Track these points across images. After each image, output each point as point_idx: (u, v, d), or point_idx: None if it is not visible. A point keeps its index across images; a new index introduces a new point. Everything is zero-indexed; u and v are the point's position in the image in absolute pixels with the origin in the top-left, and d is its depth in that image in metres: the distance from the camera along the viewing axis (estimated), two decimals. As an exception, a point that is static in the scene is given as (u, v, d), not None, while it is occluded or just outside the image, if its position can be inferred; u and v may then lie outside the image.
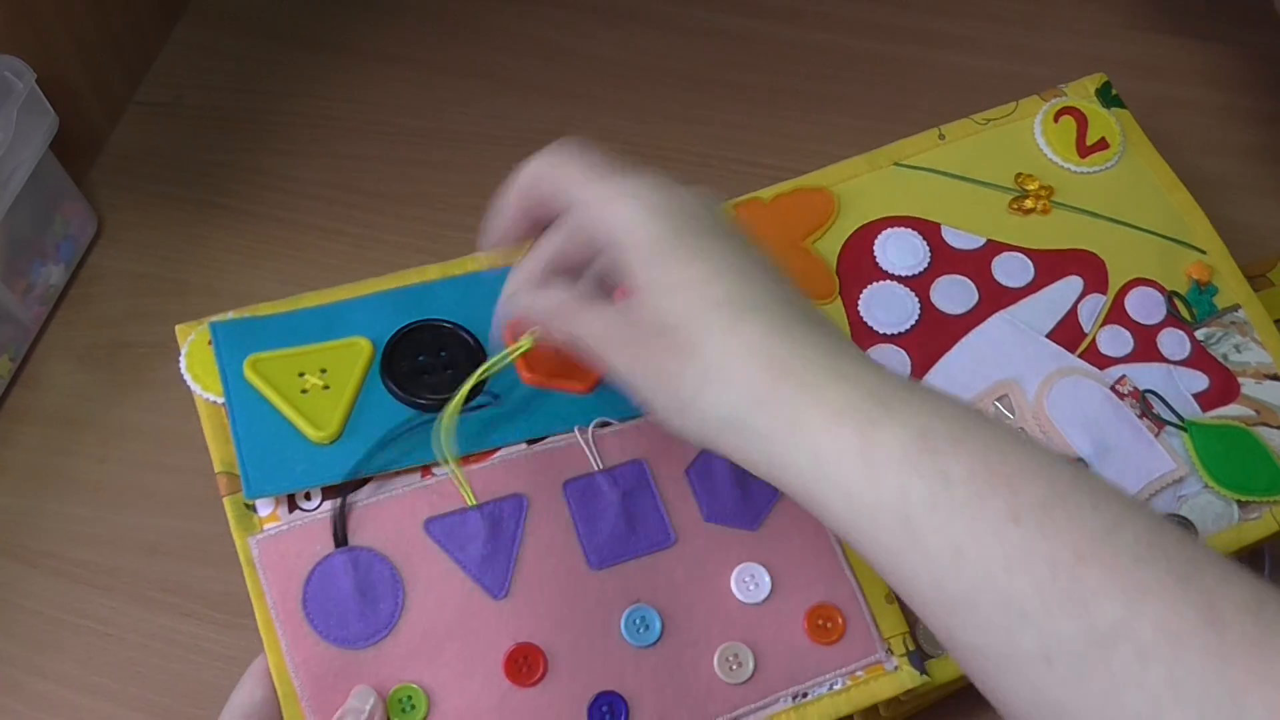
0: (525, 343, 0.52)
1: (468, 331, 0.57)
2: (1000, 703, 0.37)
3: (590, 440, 0.55)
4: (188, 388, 0.58)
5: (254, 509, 0.53)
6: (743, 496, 0.55)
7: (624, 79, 0.87)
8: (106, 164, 0.83)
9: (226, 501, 0.53)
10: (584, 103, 0.86)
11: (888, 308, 0.61)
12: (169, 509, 0.69)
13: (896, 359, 0.60)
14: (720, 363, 0.42)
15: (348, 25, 0.91)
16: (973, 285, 0.62)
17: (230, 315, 0.57)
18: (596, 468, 0.55)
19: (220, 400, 0.55)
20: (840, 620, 0.53)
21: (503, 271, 0.56)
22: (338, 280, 0.76)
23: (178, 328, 0.57)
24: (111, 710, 0.63)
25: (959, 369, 0.59)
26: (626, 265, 0.45)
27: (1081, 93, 0.68)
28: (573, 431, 0.55)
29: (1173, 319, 0.61)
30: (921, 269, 0.62)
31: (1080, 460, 0.56)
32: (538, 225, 0.49)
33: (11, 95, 0.69)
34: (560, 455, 0.55)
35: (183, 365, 0.56)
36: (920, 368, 0.59)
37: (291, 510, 0.53)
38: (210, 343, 0.56)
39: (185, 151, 0.84)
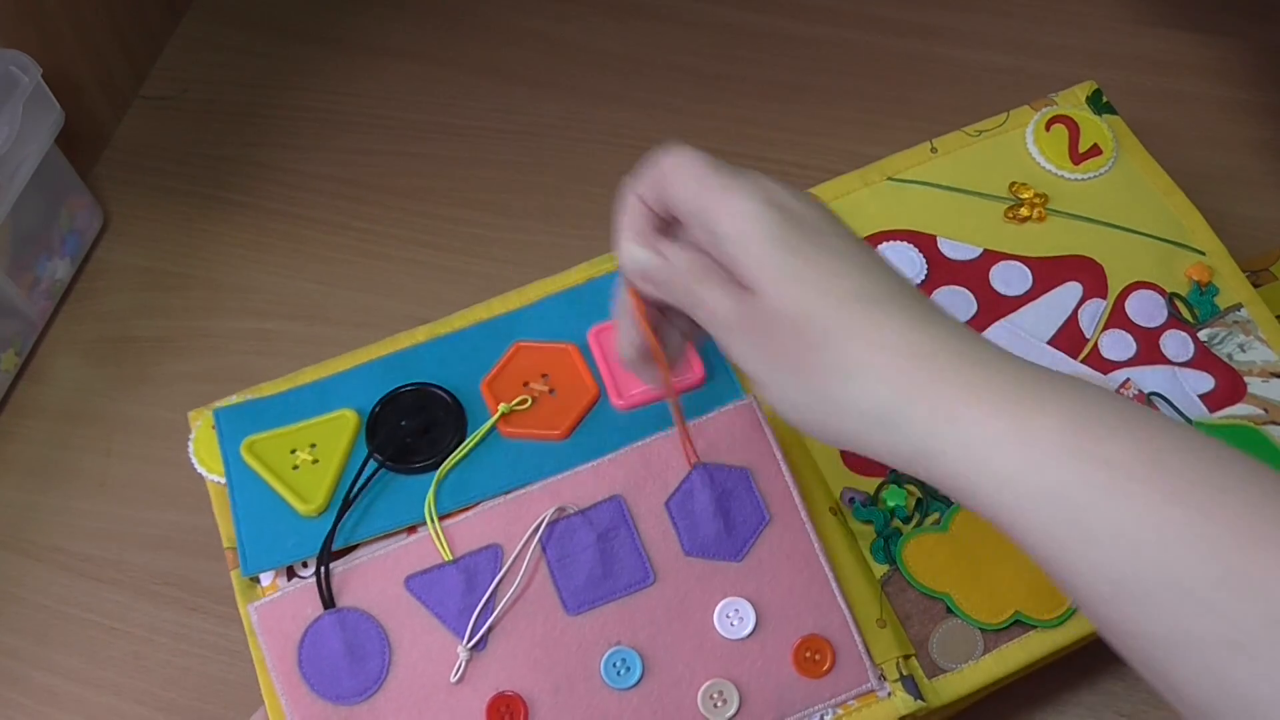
0: (504, 408, 0.57)
1: (446, 391, 0.58)
2: (1172, 690, 0.37)
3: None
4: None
5: (257, 580, 0.55)
6: (725, 527, 0.54)
7: (629, 73, 0.87)
8: (112, 158, 0.84)
9: (233, 574, 0.55)
10: (589, 97, 0.86)
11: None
12: (174, 503, 0.69)
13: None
14: (864, 358, 0.41)
15: (352, 20, 0.91)
16: (971, 295, 0.62)
17: (234, 399, 0.59)
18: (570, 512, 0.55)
19: (225, 481, 0.57)
20: (829, 651, 0.52)
21: (479, 327, 0.60)
22: (341, 274, 0.77)
23: (190, 414, 0.59)
24: (116, 704, 0.63)
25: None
26: (748, 258, 0.44)
27: (1072, 101, 0.68)
28: (547, 479, 0.56)
29: (1175, 321, 0.61)
30: (919, 281, 0.62)
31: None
32: (662, 225, 0.48)
33: (17, 90, 0.69)
34: (534, 501, 0.55)
35: (191, 451, 0.58)
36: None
37: (290, 579, 0.55)
38: (214, 427, 0.58)
39: (190, 146, 0.84)
